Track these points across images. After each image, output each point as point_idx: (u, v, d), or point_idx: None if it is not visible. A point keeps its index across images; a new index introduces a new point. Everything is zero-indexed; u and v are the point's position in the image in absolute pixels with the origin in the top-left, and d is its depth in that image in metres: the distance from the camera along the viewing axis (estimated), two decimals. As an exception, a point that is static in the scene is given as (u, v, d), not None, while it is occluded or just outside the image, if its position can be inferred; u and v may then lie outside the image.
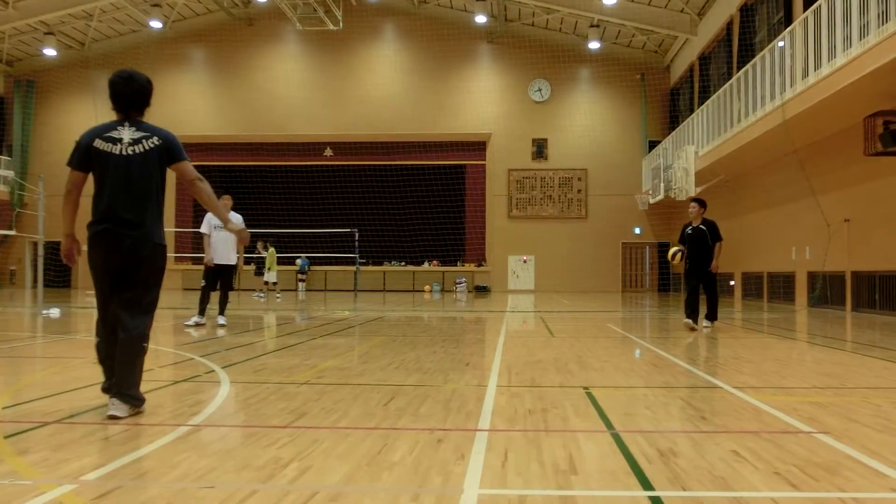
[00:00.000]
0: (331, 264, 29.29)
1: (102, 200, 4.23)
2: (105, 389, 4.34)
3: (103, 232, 4.20)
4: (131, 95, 4.38)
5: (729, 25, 22.50)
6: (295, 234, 28.09)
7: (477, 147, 30.70)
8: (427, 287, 29.79)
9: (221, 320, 10.98)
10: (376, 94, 30.61)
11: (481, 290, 29.14)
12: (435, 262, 30.49)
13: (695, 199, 10.79)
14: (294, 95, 30.81)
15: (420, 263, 30.56)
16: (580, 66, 30.27)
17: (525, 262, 30.13)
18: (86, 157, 4.23)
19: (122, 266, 4.21)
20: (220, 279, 11.04)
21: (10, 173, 28.81)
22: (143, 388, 4.46)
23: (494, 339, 9.44)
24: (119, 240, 4.19)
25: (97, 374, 5.93)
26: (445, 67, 30.62)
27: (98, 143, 4.23)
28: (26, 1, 26.70)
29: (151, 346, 7.39)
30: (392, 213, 30.70)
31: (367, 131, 30.39)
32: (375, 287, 29.59)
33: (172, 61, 30.83)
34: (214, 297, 11.18)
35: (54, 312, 13.28)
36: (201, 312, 10.90)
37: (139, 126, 4.38)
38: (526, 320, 13.14)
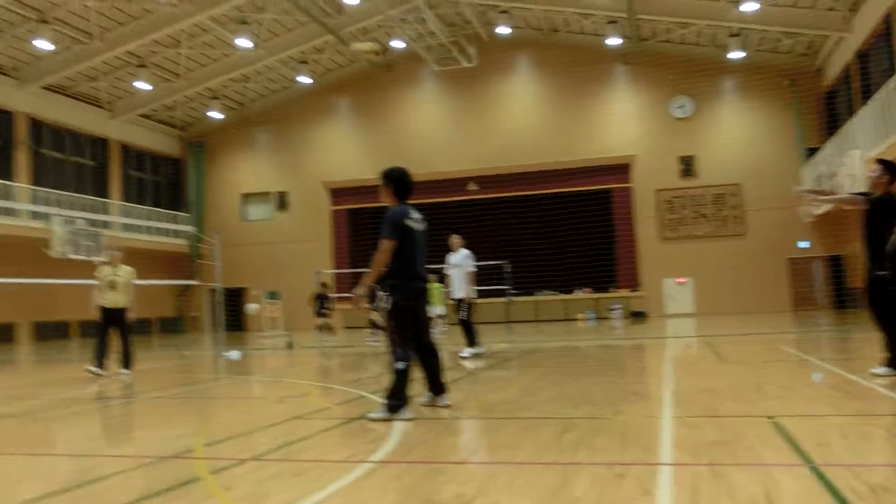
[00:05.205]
0: (481, 297, 29.53)
1: (413, 263, 5.73)
2: (434, 392, 5.99)
3: (422, 287, 5.87)
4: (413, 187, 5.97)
5: (888, 18, 20.90)
6: (441, 269, 28.56)
7: (621, 170, 30.10)
8: (581, 315, 29.32)
9: (468, 352, 11.26)
10: (515, 126, 30.80)
11: (638, 316, 28.31)
12: (587, 289, 30.00)
13: (880, 161, 6.96)
14: (434, 134, 31.59)
15: (572, 291, 30.16)
16: (723, 77, 29.08)
17: (681, 284, 29.03)
18: (401, 231, 5.64)
19: (423, 307, 5.95)
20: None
21: (191, 228, 31.34)
22: (321, 425, 5.52)
23: (659, 366, 9.14)
24: (426, 291, 5.96)
25: (279, 412, 6.27)
26: (582, 93, 30.37)
27: (408, 222, 5.70)
28: (195, 72, 29.22)
29: (327, 384, 7.80)
30: (540, 243, 30.52)
31: (509, 163, 30.58)
32: (527, 318, 29.48)
33: (321, 112, 32.55)
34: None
35: (234, 355, 14.20)
36: (475, 343, 11.38)
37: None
38: (690, 345, 12.63)
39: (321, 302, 19.15)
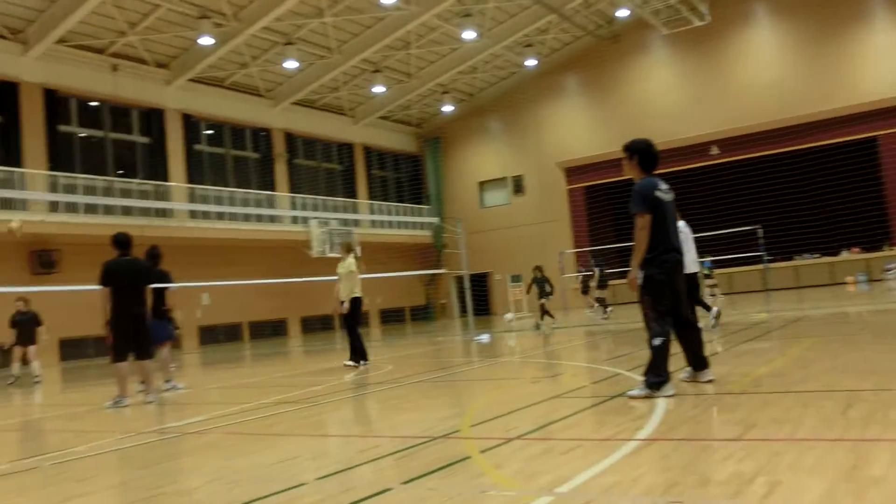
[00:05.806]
0: (734, 265, 27.80)
1: (666, 235, 5.47)
2: (695, 367, 5.72)
3: (677, 259, 5.55)
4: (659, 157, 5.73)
5: None
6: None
7: (888, 114, 26.67)
8: (850, 278, 26.54)
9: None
10: (758, 80, 28.51)
11: (920, 275, 25.06)
12: (856, 249, 27.09)
13: None
14: (669, 100, 30.18)
15: (837, 253, 27.41)
16: None
17: (974, 235, 25.16)
18: (652, 204, 5.43)
19: (679, 281, 5.58)
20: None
21: (436, 220, 33.00)
22: (579, 403, 5.41)
23: (958, 330, 7.99)
24: (681, 264, 5.60)
25: (536, 393, 6.35)
26: (833, 34, 27.31)
27: (658, 194, 5.49)
28: (426, 70, 30.53)
29: (579, 363, 7.78)
30: (797, 203, 28.03)
31: (754, 121, 28.37)
32: (786, 285, 27.26)
33: (550, 93, 32.47)
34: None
35: (485, 338, 14.69)
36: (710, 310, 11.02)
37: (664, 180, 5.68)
38: None
39: (541, 286, 19.34)
